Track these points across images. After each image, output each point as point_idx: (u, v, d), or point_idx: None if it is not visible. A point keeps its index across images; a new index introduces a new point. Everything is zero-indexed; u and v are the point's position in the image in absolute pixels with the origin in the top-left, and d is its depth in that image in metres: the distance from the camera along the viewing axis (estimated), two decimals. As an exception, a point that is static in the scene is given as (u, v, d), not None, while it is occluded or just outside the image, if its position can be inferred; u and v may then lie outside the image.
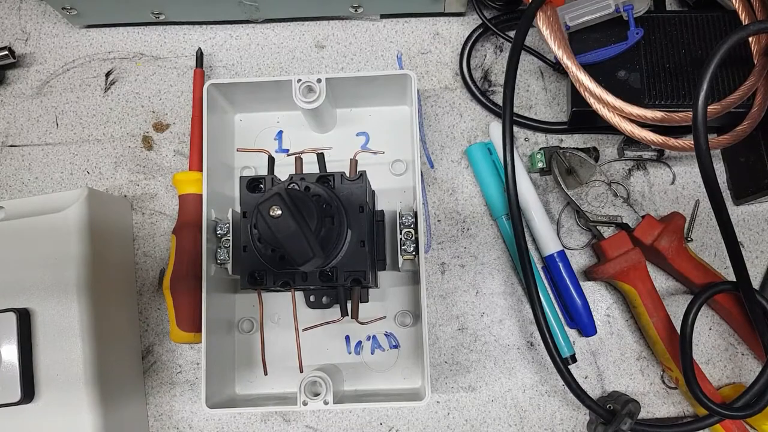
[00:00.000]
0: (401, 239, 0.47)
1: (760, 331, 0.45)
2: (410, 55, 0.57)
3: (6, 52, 0.55)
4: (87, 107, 0.57)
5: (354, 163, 0.46)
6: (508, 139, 0.46)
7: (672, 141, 0.46)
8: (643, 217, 0.50)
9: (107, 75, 0.58)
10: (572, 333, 0.52)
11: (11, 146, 0.57)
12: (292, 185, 0.44)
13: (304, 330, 0.46)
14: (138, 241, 0.55)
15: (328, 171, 0.45)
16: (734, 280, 0.45)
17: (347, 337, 0.51)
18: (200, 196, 0.50)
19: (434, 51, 0.56)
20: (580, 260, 0.53)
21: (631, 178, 0.53)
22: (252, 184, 0.45)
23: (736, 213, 0.53)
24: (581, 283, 0.51)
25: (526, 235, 0.52)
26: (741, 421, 0.48)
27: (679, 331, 0.47)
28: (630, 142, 0.52)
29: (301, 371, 0.45)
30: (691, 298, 0.47)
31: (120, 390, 0.49)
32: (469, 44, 0.55)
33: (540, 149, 0.52)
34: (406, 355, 0.51)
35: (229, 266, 0.47)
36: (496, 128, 0.52)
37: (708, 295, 0.46)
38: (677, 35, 0.50)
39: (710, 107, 0.45)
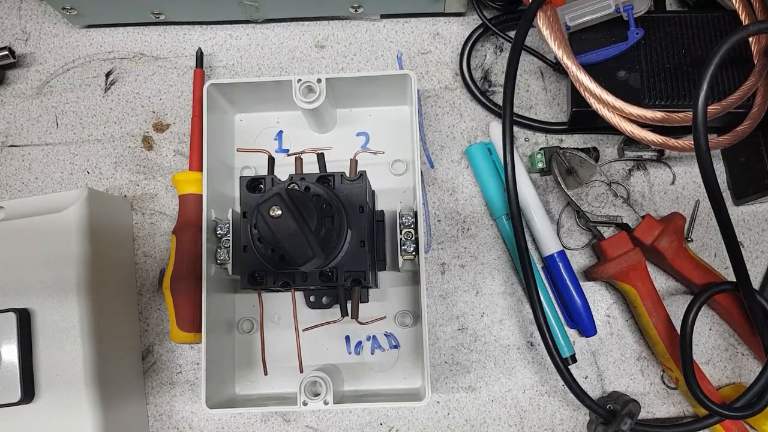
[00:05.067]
0: (401, 239, 0.47)
1: (760, 331, 0.45)
2: (410, 55, 0.57)
3: (6, 52, 0.55)
4: (87, 107, 0.57)
5: (354, 163, 0.46)
6: (508, 139, 0.46)
7: (672, 141, 0.46)
8: (643, 217, 0.50)
9: (107, 75, 0.58)
10: (572, 333, 0.52)
11: (11, 146, 0.57)
12: (292, 185, 0.44)
13: (304, 330, 0.46)
14: (138, 241, 0.55)
15: (328, 171, 0.45)
16: (734, 280, 0.45)
17: (347, 338, 0.51)
18: (200, 196, 0.50)
19: (434, 51, 0.56)
20: (580, 260, 0.53)
21: (631, 178, 0.53)
22: (252, 184, 0.45)
23: (736, 213, 0.53)
24: (581, 283, 0.51)
25: (526, 235, 0.52)
26: (741, 422, 0.48)
27: (679, 331, 0.47)
28: (630, 142, 0.52)
29: (301, 371, 0.45)
30: (691, 298, 0.47)
31: (120, 390, 0.49)
32: (469, 44, 0.55)
33: (540, 149, 0.52)
34: (406, 355, 0.51)
35: (229, 266, 0.47)
36: (496, 128, 0.52)
37: (708, 295, 0.46)
38: (677, 35, 0.50)
39: (710, 107, 0.45)
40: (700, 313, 0.49)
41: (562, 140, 0.54)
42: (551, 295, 0.51)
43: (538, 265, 0.52)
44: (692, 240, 0.52)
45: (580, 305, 0.50)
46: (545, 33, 0.45)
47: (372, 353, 0.51)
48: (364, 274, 0.43)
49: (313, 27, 0.57)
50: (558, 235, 0.53)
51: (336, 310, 0.46)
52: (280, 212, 0.37)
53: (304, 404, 0.44)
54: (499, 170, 0.52)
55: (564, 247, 0.52)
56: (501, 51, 0.56)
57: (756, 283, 0.51)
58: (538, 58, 0.54)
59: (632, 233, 0.50)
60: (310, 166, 0.46)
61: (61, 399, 0.45)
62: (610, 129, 0.49)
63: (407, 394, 0.49)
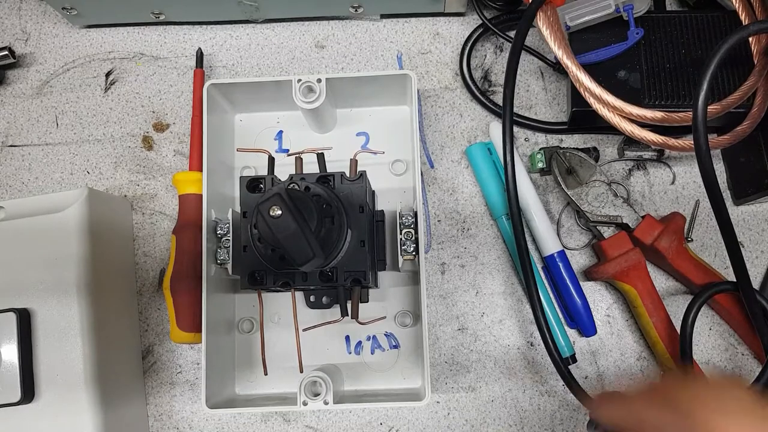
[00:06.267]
0: (401, 239, 0.47)
1: (760, 331, 0.45)
2: (410, 55, 0.57)
3: (6, 52, 0.55)
4: (87, 107, 0.57)
5: (354, 163, 0.46)
6: (508, 139, 0.46)
7: (672, 141, 0.46)
8: (643, 217, 0.50)
9: (107, 75, 0.58)
10: (572, 333, 0.52)
11: (11, 146, 0.57)
12: (292, 185, 0.44)
13: (304, 330, 0.46)
14: (138, 241, 0.55)
15: (328, 171, 0.45)
16: (734, 280, 0.45)
17: (347, 337, 0.51)
18: (200, 196, 0.50)
19: (434, 51, 0.56)
20: (580, 260, 0.53)
21: (631, 178, 0.53)
22: (252, 184, 0.45)
23: (736, 213, 0.53)
24: (581, 283, 0.51)
25: (526, 235, 0.52)
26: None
27: (679, 331, 0.47)
28: (630, 142, 0.52)
29: (301, 371, 0.45)
30: (691, 298, 0.47)
31: (120, 390, 0.49)
32: (469, 44, 0.55)
33: (540, 149, 0.52)
34: (406, 355, 0.51)
35: (229, 266, 0.47)
36: (496, 128, 0.52)
37: (708, 295, 0.46)
38: (677, 35, 0.50)
39: (710, 107, 0.45)
40: (700, 313, 0.49)
41: (562, 140, 0.54)
42: (551, 295, 0.51)
43: (538, 265, 0.52)
44: (692, 240, 0.52)
45: (580, 305, 0.50)
46: (545, 33, 0.45)
47: (372, 353, 0.51)
48: (364, 274, 0.43)
49: (313, 27, 0.57)
50: (558, 235, 0.53)
51: (336, 310, 0.46)
52: (280, 212, 0.37)
53: (304, 404, 0.44)
54: (499, 170, 0.52)
55: (564, 247, 0.52)
56: (501, 51, 0.56)
57: (756, 283, 0.51)
58: (538, 58, 0.54)
59: (632, 233, 0.50)
60: (310, 166, 0.46)
61: (61, 399, 0.45)
62: (610, 129, 0.49)
63: (407, 394, 0.49)
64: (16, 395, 0.44)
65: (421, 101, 0.55)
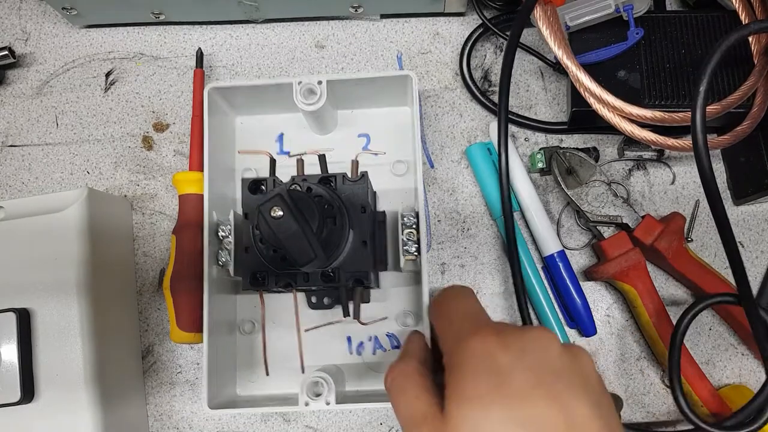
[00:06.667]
0: (403, 240, 0.47)
1: (761, 349, 0.43)
2: (410, 55, 0.57)
3: (6, 52, 0.55)
4: (87, 107, 0.57)
5: (355, 164, 0.46)
6: (503, 130, 0.46)
7: (672, 141, 0.47)
8: (643, 217, 0.50)
9: (107, 75, 0.58)
10: (572, 333, 0.52)
11: (11, 146, 0.57)
12: (293, 186, 0.44)
13: (306, 331, 0.46)
14: (138, 241, 0.55)
15: (329, 172, 0.45)
16: (734, 283, 0.44)
17: (349, 338, 0.51)
18: (200, 196, 0.50)
19: (434, 51, 0.56)
20: (580, 260, 0.53)
21: (631, 178, 0.53)
22: (253, 185, 0.45)
23: (736, 213, 0.53)
24: (581, 283, 0.51)
25: (526, 235, 0.52)
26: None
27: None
28: (630, 142, 0.52)
29: (303, 372, 0.45)
30: (691, 298, 0.47)
31: (120, 390, 0.49)
32: (469, 44, 0.55)
33: (540, 149, 0.52)
34: (407, 355, 0.51)
35: (231, 268, 0.47)
36: (496, 128, 0.52)
37: (702, 307, 0.45)
38: (677, 35, 0.50)
39: (710, 107, 0.45)
40: (700, 314, 0.49)
41: (562, 140, 0.54)
42: (551, 295, 0.51)
43: (538, 266, 0.52)
44: (692, 240, 0.52)
45: (580, 305, 0.50)
46: (545, 33, 0.46)
47: (373, 353, 0.51)
48: (365, 275, 0.44)
49: (313, 27, 0.57)
50: (558, 235, 0.53)
51: (337, 311, 0.46)
52: (281, 213, 0.37)
53: (306, 405, 0.44)
54: (499, 170, 0.53)
55: (564, 247, 0.52)
56: (501, 51, 0.56)
57: (756, 283, 0.51)
58: (538, 58, 0.55)
59: (632, 233, 0.50)
60: (312, 168, 0.46)
61: (61, 399, 0.45)
62: (610, 129, 0.49)
63: (408, 394, 0.48)
64: (16, 395, 0.44)
65: (421, 101, 0.55)
